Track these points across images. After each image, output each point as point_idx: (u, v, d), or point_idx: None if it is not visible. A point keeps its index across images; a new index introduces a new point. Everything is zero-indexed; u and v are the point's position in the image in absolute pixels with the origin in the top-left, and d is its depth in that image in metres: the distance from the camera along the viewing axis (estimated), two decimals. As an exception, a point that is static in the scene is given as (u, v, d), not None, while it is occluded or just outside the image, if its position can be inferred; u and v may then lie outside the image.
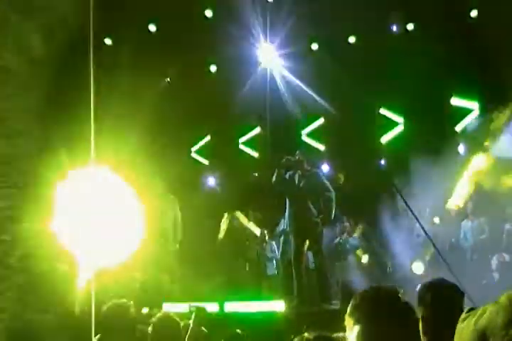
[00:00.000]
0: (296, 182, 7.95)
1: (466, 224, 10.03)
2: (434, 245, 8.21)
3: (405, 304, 1.94)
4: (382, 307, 1.90)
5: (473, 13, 11.32)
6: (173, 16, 10.97)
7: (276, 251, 9.85)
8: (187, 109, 11.81)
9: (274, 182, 8.07)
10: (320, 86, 11.94)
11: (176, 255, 9.72)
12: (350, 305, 1.96)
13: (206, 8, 11.51)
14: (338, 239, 10.31)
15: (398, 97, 11.95)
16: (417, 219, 8.70)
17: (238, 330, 5.20)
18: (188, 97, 11.79)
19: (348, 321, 1.92)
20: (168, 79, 12.57)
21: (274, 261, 10.02)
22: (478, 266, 8.94)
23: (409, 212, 8.75)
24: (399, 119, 12.27)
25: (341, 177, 10.62)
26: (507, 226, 9.33)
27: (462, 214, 10.13)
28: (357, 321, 1.87)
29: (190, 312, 4.68)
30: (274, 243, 10.08)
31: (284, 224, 8.33)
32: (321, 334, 3.30)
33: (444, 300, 2.84)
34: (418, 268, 9.31)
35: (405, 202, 8.60)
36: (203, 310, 4.60)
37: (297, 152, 8.19)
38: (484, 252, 9.48)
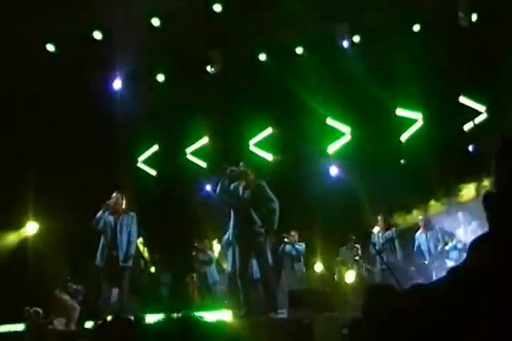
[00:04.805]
0: (240, 193, 7.95)
1: (421, 237, 10.24)
2: (380, 255, 8.33)
3: None
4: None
5: (416, 28, 11.66)
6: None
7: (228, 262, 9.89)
8: (134, 118, 11.70)
9: (218, 194, 8.04)
10: (269, 97, 12.08)
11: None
12: None
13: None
14: (283, 246, 10.40)
15: (345, 108, 12.16)
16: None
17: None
18: (135, 107, 11.66)
19: None
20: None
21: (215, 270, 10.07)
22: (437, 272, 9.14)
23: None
24: (346, 129, 12.46)
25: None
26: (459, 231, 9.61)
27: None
28: None
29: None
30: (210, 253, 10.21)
31: (229, 235, 8.29)
32: None
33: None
34: (350, 276, 9.54)
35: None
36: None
37: (241, 163, 8.18)
38: (443, 259, 9.78)
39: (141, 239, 10.09)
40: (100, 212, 8.30)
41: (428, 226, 10.06)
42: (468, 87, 11.63)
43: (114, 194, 8.43)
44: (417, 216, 10.11)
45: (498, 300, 1.07)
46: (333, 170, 11.48)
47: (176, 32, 11.15)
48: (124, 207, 8.44)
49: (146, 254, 10.58)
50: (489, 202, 1.19)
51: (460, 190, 9.17)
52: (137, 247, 9.22)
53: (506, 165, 1.21)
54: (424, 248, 10.12)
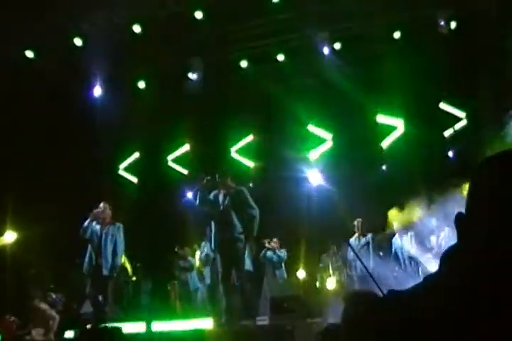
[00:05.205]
0: (221, 201, 7.95)
1: (396, 242, 10.23)
2: (359, 259, 8.33)
3: None
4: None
5: (397, 35, 11.74)
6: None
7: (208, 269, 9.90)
8: (115, 125, 11.62)
9: (199, 204, 8.03)
10: (251, 103, 12.09)
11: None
12: None
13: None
14: (264, 252, 10.40)
15: (326, 114, 12.20)
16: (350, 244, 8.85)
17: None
18: (116, 114, 11.59)
19: None
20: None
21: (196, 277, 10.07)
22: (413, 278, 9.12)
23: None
24: (327, 136, 12.50)
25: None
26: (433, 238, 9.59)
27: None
28: None
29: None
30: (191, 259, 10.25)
31: (210, 243, 8.28)
32: None
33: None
34: (331, 283, 9.53)
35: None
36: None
37: (217, 175, 8.13)
38: (416, 265, 9.75)
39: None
40: (87, 221, 8.31)
41: (403, 231, 10.06)
42: (449, 93, 11.75)
43: (101, 204, 8.46)
44: (395, 221, 10.10)
45: (474, 307, 1.06)
46: (315, 177, 11.46)
47: (158, 39, 11.14)
48: (110, 217, 8.49)
49: (127, 264, 10.52)
50: (459, 223, 1.18)
51: (439, 196, 9.20)
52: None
53: (482, 186, 1.16)
54: (399, 253, 10.11)
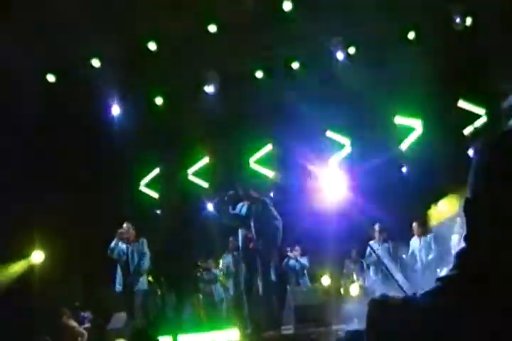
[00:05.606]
0: (245, 213, 7.99)
1: (414, 243, 10.03)
2: (383, 263, 8.23)
3: None
4: None
5: (411, 35, 11.66)
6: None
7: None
8: (134, 142, 11.74)
9: (228, 222, 8.10)
10: (268, 113, 12.10)
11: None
12: None
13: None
14: (286, 261, 10.36)
15: (343, 119, 12.14)
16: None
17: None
18: (134, 131, 11.71)
19: None
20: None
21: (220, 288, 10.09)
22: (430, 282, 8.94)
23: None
24: (345, 141, 12.44)
25: None
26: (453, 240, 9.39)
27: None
28: None
29: None
30: (215, 271, 10.28)
31: (238, 254, 8.37)
32: None
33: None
34: (354, 289, 9.42)
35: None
36: None
37: (236, 185, 8.15)
38: (434, 268, 9.53)
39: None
40: (114, 242, 8.81)
41: (422, 232, 9.84)
42: (467, 90, 11.58)
43: (124, 224, 8.99)
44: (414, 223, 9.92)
45: (486, 308, 1.08)
46: (334, 182, 11.39)
47: (172, 54, 11.25)
48: (134, 235, 9.00)
49: (152, 278, 10.68)
50: (467, 207, 1.19)
51: (461, 195, 9.03)
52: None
53: (490, 168, 1.19)
54: (417, 255, 9.88)
